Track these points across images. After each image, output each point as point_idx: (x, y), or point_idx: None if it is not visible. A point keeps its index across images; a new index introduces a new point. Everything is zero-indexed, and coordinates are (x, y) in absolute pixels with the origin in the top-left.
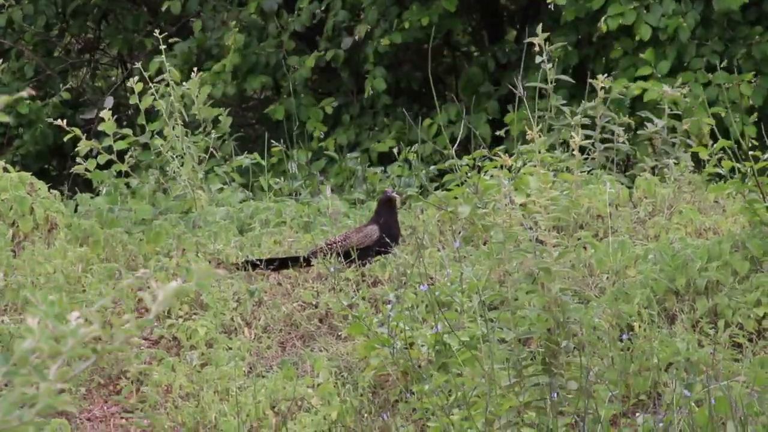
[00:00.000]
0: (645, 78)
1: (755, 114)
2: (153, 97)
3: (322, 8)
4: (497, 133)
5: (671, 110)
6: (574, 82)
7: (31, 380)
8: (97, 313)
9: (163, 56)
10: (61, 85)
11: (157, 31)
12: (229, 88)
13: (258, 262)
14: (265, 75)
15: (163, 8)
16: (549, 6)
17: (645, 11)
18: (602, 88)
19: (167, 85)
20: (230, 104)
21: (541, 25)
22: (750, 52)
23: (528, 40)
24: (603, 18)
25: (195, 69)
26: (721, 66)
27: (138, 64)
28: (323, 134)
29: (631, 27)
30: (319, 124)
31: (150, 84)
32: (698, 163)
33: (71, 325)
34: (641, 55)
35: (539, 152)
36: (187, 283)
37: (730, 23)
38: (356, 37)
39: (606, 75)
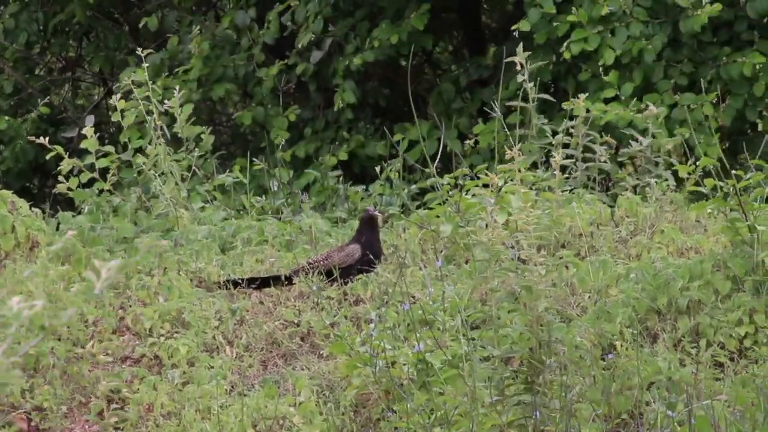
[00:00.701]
0: (609, 100)
1: (717, 134)
2: (135, 115)
3: (292, 20)
4: (466, 142)
5: (644, 130)
6: (555, 100)
7: None
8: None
9: (144, 73)
10: (41, 102)
11: (140, 49)
12: (194, 95)
13: (240, 281)
14: (231, 83)
15: (140, 24)
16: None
17: (610, 35)
18: (586, 110)
19: (137, 97)
20: (202, 122)
21: (521, 44)
22: (718, 73)
23: (509, 59)
24: (566, 42)
25: (177, 88)
26: (690, 88)
27: (119, 83)
28: (285, 144)
29: (596, 51)
30: (282, 132)
31: (131, 99)
32: (680, 182)
33: (14, 309)
34: (605, 78)
35: (518, 171)
36: (132, 259)
37: (699, 45)
38: (300, 45)
39: (577, 95)
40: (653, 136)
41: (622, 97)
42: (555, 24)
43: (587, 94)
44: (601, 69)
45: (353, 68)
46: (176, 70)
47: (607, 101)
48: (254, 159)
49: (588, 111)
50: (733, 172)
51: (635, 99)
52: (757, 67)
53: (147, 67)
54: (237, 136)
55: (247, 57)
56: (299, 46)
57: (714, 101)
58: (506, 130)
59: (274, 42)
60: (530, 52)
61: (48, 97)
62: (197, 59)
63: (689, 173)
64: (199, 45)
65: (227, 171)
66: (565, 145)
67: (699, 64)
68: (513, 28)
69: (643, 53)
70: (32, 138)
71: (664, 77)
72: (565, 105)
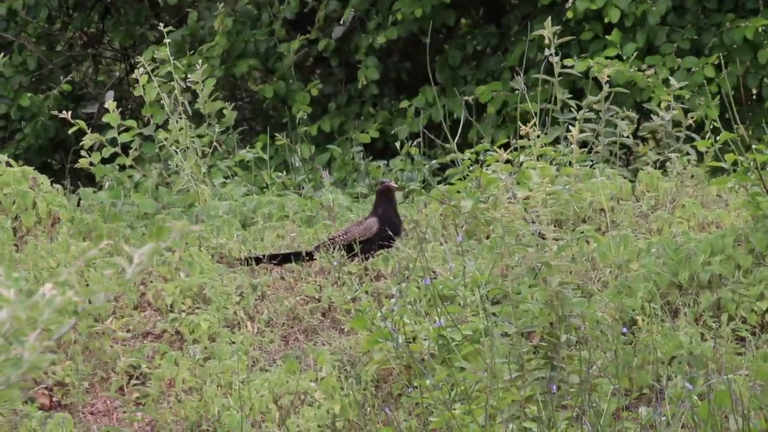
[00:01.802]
0: (611, 59)
1: (717, 97)
2: (157, 89)
3: None
4: (467, 98)
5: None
6: (580, 75)
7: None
8: (74, 276)
9: (167, 49)
10: (62, 78)
11: (161, 24)
12: (217, 72)
13: (261, 257)
14: (253, 59)
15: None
16: None
17: None
18: (607, 81)
19: (169, 76)
20: (224, 98)
21: (550, 18)
22: (721, 39)
23: (537, 32)
24: (572, 0)
25: (199, 63)
26: (692, 53)
27: (141, 57)
28: (308, 120)
29: (600, 10)
30: (304, 106)
31: (153, 76)
32: (701, 157)
33: (46, 295)
34: (607, 37)
35: (534, 146)
36: (160, 244)
37: (704, 11)
38: (342, 21)
39: (578, 57)
40: (686, 111)
41: (624, 57)
42: None
43: (587, 54)
44: (601, 29)
45: (376, 46)
46: (200, 47)
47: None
48: (276, 134)
49: (590, 67)
50: (754, 146)
51: (634, 59)
52: (760, 30)
53: (168, 43)
54: (259, 111)
55: (268, 32)
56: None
57: (716, 63)
58: (531, 104)
59: (294, 17)
60: (558, 27)
61: (70, 75)
62: (221, 36)
63: (708, 147)
64: (222, 21)
65: (247, 146)
66: (588, 120)
67: (702, 30)
68: None
69: (647, 15)
70: (54, 112)
71: (667, 41)
72: (566, 62)
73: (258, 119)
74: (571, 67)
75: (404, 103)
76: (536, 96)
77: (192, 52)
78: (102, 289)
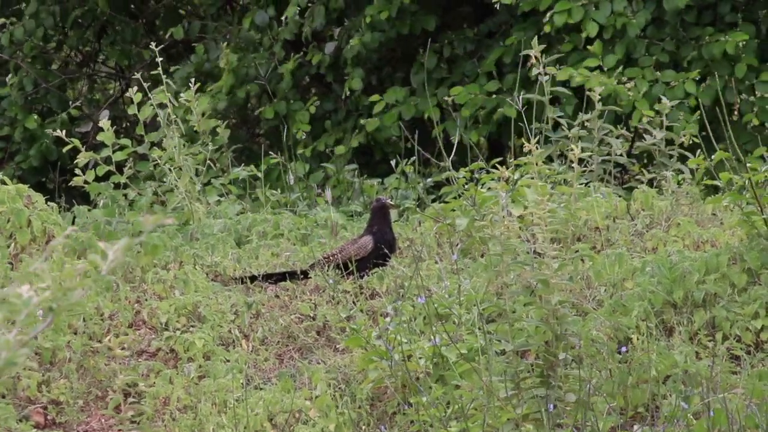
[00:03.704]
0: (592, 70)
1: (698, 112)
2: (152, 107)
3: (305, 15)
4: (445, 98)
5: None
6: (570, 93)
7: None
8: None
9: (159, 69)
10: (69, 103)
11: (153, 44)
12: (220, 104)
13: (257, 276)
14: (253, 84)
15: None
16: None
17: (594, 9)
18: (599, 99)
19: (163, 93)
20: (230, 118)
21: (536, 37)
22: (700, 53)
23: (524, 52)
24: (549, 14)
25: (193, 84)
26: (671, 66)
27: (137, 75)
28: (310, 139)
29: (579, 23)
30: (303, 125)
31: (149, 95)
32: (694, 175)
33: (23, 296)
34: (589, 48)
35: (536, 164)
36: (135, 239)
37: (683, 24)
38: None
39: (558, 67)
40: (668, 128)
41: (605, 69)
42: None
43: (564, 66)
44: (583, 41)
45: (358, 50)
46: (207, 86)
47: (590, 72)
48: (270, 153)
49: (571, 77)
50: (748, 164)
51: (617, 71)
52: (741, 45)
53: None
54: (268, 134)
55: (268, 55)
56: (303, 38)
57: (696, 79)
58: (528, 125)
59: (294, 38)
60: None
61: (69, 95)
62: (228, 74)
63: (698, 164)
64: (227, 57)
65: (242, 165)
66: (581, 138)
67: (681, 43)
68: (494, 0)
69: (627, 28)
70: (49, 130)
71: (646, 54)
72: (548, 70)
73: (259, 141)
74: (553, 76)
75: (374, 97)
76: (531, 115)
77: (196, 85)
78: (78, 285)
